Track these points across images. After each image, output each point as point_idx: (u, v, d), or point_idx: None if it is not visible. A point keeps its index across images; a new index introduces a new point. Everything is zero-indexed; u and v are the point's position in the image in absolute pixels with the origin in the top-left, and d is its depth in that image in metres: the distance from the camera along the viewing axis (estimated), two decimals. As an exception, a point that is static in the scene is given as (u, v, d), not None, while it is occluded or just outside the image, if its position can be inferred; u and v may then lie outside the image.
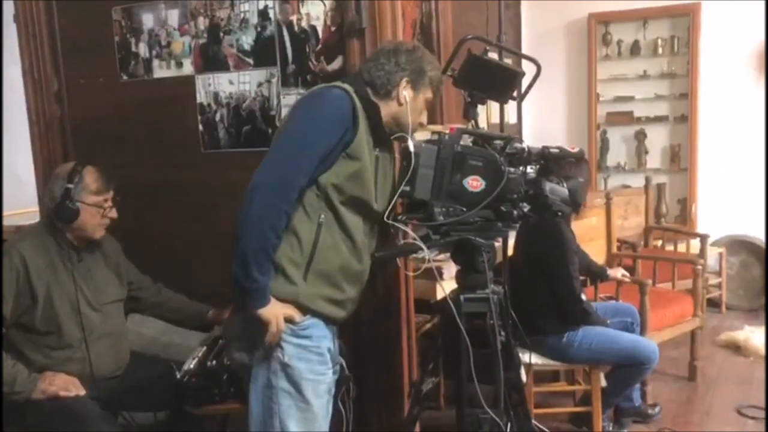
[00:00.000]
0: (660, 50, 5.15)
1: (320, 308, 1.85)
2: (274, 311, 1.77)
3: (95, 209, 2.27)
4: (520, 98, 2.23)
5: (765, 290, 4.70)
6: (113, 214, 2.33)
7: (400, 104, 1.90)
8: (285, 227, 1.77)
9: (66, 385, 2.18)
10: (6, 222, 3.53)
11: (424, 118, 2.00)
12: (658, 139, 5.29)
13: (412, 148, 1.90)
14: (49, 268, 2.24)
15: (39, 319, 2.21)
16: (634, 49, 5.24)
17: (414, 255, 2.11)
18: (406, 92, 1.90)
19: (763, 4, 4.75)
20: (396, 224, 1.93)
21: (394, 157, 2.00)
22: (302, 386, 1.83)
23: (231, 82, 2.59)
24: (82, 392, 2.19)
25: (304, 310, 1.83)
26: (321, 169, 1.79)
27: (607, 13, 5.18)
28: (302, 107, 1.85)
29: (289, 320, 1.80)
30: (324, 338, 1.88)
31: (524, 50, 5.09)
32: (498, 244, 2.39)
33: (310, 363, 1.84)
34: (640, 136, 5.29)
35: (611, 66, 5.32)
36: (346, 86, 1.85)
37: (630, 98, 5.27)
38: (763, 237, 4.88)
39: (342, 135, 1.78)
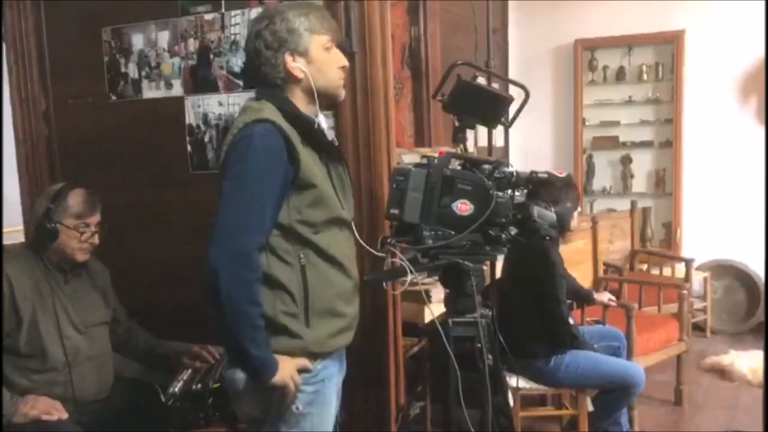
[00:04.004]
0: (645, 76, 5.22)
1: (332, 347, 1.78)
2: (287, 372, 1.68)
3: (74, 232, 2.25)
4: (509, 124, 2.25)
5: (765, 309, 4.71)
6: (95, 240, 2.30)
7: (299, 80, 1.75)
8: (267, 283, 1.67)
9: (48, 409, 2.14)
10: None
11: (340, 61, 1.81)
12: (643, 163, 5.35)
13: (324, 124, 1.81)
14: (34, 289, 2.21)
15: (23, 341, 2.18)
16: (620, 75, 5.31)
17: (403, 278, 2.10)
18: (297, 64, 1.74)
19: (745, 31, 4.84)
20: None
21: (341, 156, 1.87)
22: (316, 429, 1.78)
23: (220, 104, 2.59)
24: (65, 416, 2.15)
25: (316, 355, 1.75)
26: (276, 213, 1.67)
27: (593, 40, 5.25)
28: (231, 160, 1.67)
29: (302, 371, 1.72)
30: (336, 374, 1.84)
31: (511, 75, 5.15)
32: (486, 267, 2.39)
33: (325, 406, 1.79)
34: (626, 160, 5.35)
35: (597, 91, 5.39)
36: (266, 112, 1.68)
37: (615, 123, 5.33)
38: (747, 261, 4.92)
39: (284, 174, 1.65)
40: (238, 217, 1.63)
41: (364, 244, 1.93)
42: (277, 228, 1.69)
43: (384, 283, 2.27)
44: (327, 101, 1.85)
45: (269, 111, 1.69)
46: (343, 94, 1.86)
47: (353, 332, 1.87)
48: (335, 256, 1.75)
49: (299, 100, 1.78)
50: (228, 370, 1.76)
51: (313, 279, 1.71)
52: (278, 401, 1.72)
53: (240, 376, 1.71)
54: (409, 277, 1.90)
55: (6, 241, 3.37)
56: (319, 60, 1.76)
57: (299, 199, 1.69)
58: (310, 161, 1.70)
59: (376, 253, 2.02)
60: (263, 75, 1.76)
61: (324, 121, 1.83)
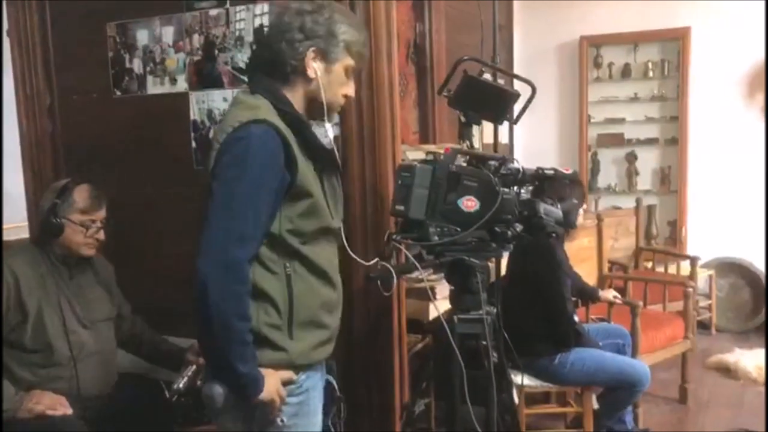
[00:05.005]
0: (650, 73, 5.20)
1: (315, 359, 1.72)
2: (273, 387, 1.61)
3: (79, 227, 2.25)
4: (515, 120, 2.24)
5: (766, 306, 4.70)
6: (100, 235, 2.30)
7: (310, 79, 1.66)
8: (251, 293, 1.58)
9: (53, 404, 2.15)
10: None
11: (350, 90, 1.74)
12: (648, 161, 5.33)
13: (330, 134, 1.71)
14: (40, 284, 2.22)
15: (28, 336, 2.18)
16: (625, 72, 5.28)
17: (408, 275, 2.09)
18: (315, 64, 1.65)
19: (751, 29, 4.81)
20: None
21: (337, 163, 1.78)
22: None
23: (225, 100, 2.58)
24: (69, 411, 2.16)
25: (299, 368, 1.69)
26: (270, 222, 1.59)
27: (599, 36, 5.23)
28: (226, 162, 1.56)
29: (287, 383, 1.66)
30: (317, 384, 1.78)
31: (516, 72, 5.12)
32: (491, 264, 2.38)
33: (309, 416, 1.74)
34: (631, 158, 5.33)
35: (602, 88, 5.36)
36: (262, 111, 1.59)
37: (621, 120, 5.31)
38: (752, 259, 4.91)
39: (280, 180, 1.57)
40: (231, 226, 1.53)
41: (354, 256, 1.87)
42: (264, 236, 1.61)
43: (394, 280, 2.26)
44: (318, 114, 1.74)
45: (265, 110, 1.61)
46: (335, 117, 1.82)
47: (333, 345, 1.78)
48: (321, 267, 1.69)
49: (296, 101, 1.68)
50: (204, 385, 1.67)
51: (299, 289, 1.64)
52: (262, 416, 1.66)
53: (218, 391, 1.63)
54: (416, 274, 1.90)
55: (10, 237, 3.38)
56: (335, 75, 1.69)
57: (292, 208, 1.61)
58: (305, 167, 1.62)
59: (364, 263, 1.96)
60: (275, 54, 1.65)
61: (330, 130, 1.74)
